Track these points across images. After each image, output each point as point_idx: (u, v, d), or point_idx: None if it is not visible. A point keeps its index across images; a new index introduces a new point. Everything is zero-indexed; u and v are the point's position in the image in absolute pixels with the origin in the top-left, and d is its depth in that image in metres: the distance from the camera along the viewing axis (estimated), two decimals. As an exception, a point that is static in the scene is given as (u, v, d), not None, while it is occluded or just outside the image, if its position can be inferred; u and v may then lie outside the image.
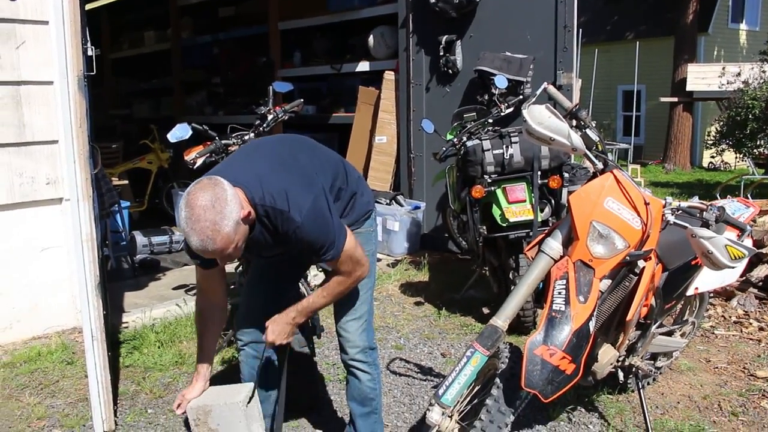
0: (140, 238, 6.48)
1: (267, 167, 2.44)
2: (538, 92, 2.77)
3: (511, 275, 4.38)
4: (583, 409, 3.44)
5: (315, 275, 4.50)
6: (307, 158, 2.60)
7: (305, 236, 2.37)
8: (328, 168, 2.62)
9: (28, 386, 3.74)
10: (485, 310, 4.85)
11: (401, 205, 6.49)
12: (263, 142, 2.87)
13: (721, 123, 13.32)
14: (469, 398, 2.65)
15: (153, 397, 3.66)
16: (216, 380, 3.83)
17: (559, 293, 2.42)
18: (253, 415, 2.67)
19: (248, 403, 2.65)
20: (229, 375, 3.90)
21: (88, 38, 3.55)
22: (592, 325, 2.42)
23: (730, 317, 4.69)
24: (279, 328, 2.62)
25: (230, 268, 5.73)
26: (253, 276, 2.94)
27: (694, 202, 2.67)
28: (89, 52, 3.50)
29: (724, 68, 14.45)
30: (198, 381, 2.71)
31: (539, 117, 2.48)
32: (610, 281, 2.60)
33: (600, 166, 2.59)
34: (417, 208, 6.52)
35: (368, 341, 2.80)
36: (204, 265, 2.54)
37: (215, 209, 2.16)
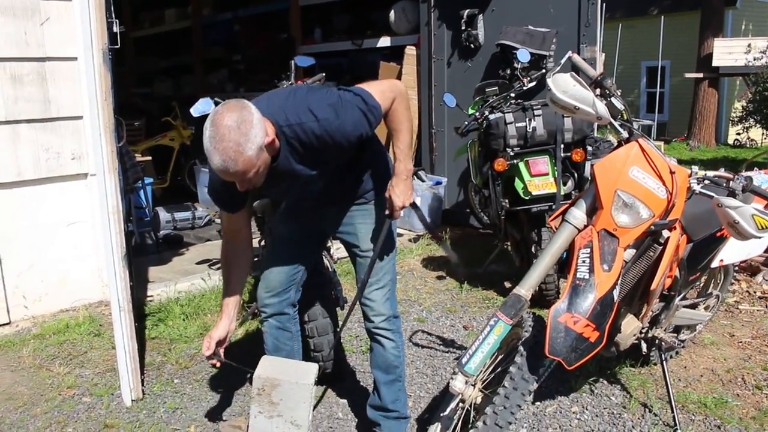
0: (163, 214, 6.56)
1: (284, 98, 2.44)
2: (563, 61, 2.76)
3: (533, 249, 4.37)
4: (605, 381, 3.44)
5: (338, 248, 4.52)
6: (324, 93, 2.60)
7: (346, 129, 2.37)
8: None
9: (57, 357, 3.81)
10: (507, 284, 4.86)
11: (423, 181, 6.48)
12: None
13: (748, 99, 13.09)
14: (492, 367, 2.66)
15: (179, 367, 3.72)
16: (239, 352, 3.90)
17: (584, 262, 2.41)
18: (314, 397, 2.72)
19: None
20: (252, 347, 3.94)
21: (113, 13, 3.56)
22: (616, 293, 2.42)
23: (754, 292, 4.65)
24: (400, 188, 2.58)
25: (254, 242, 5.78)
26: (275, 248, 2.96)
27: (721, 171, 2.64)
28: (114, 28, 3.52)
29: (750, 44, 14.18)
30: (223, 319, 2.76)
31: (564, 86, 2.46)
32: (635, 251, 2.59)
33: (625, 135, 2.57)
34: (438, 183, 6.52)
35: (392, 309, 2.82)
36: (230, 208, 2.58)
37: (240, 130, 2.16)
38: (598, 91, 2.60)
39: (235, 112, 2.19)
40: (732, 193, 2.52)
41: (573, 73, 2.50)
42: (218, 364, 2.82)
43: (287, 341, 2.97)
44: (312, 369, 2.77)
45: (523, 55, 4.87)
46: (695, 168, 2.62)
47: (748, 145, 15.77)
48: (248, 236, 2.75)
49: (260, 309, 2.96)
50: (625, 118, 2.61)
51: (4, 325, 4.19)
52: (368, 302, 2.79)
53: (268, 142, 2.25)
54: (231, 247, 2.74)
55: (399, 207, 2.59)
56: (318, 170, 2.51)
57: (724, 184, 2.58)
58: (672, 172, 2.51)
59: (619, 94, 2.60)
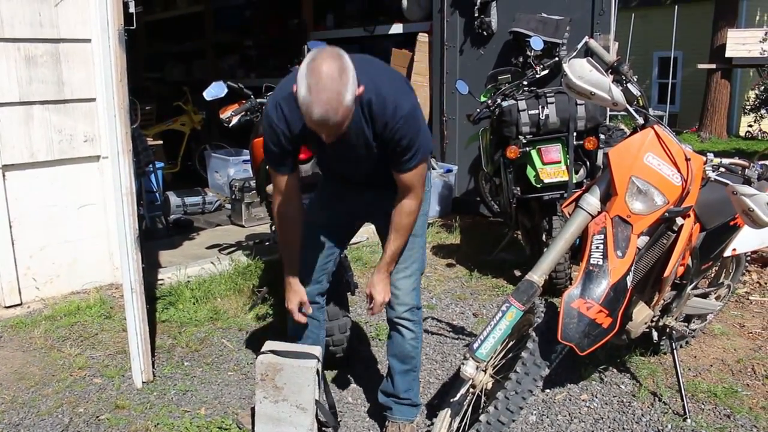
0: (174, 199, 6.58)
1: (373, 68, 2.41)
2: (579, 46, 2.74)
3: (544, 237, 4.36)
4: (615, 370, 3.44)
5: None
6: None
7: (403, 131, 2.36)
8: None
9: (68, 338, 3.83)
10: (517, 272, 4.85)
11: (433, 168, 6.46)
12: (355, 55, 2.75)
13: (762, 88, 12.97)
14: (503, 353, 2.66)
15: (189, 350, 3.73)
16: (252, 336, 3.92)
17: (597, 248, 2.41)
18: (318, 379, 2.71)
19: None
20: (264, 331, 3.96)
21: (128, -7, 3.55)
22: (629, 280, 2.41)
23: (765, 284, 4.64)
24: (381, 287, 2.66)
25: (265, 228, 5.80)
26: (309, 235, 2.87)
27: (736, 159, 2.63)
28: (131, 9, 3.51)
29: (766, 33, 14.04)
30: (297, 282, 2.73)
31: (580, 71, 2.45)
32: (648, 238, 2.58)
33: (641, 120, 2.56)
34: (449, 171, 6.51)
35: (417, 300, 2.81)
36: (289, 169, 2.56)
37: (341, 80, 2.13)
38: (614, 76, 2.59)
39: (336, 60, 2.14)
40: (747, 181, 2.51)
41: (589, 58, 2.48)
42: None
43: (314, 329, 2.93)
44: (315, 352, 2.76)
45: (537, 43, 4.85)
46: (710, 155, 2.60)
47: (760, 137, 15.64)
48: (300, 196, 2.69)
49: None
50: (641, 104, 2.60)
51: (15, 306, 4.21)
52: (394, 290, 2.75)
53: (359, 93, 2.23)
54: (290, 202, 2.66)
55: (380, 303, 2.67)
56: (374, 148, 2.49)
57: (740, 172, 2.56)
58: (687, 159, 2.50)
59: (635, 80, 2.59)
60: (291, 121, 2.41)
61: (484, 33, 6.13)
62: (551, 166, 4.26)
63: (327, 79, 2.10)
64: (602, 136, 4.43)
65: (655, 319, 3.06)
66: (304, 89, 2.13)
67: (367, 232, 5.31)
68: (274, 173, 2.61)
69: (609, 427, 2.99)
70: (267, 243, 5.33)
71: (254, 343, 3.77)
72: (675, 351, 3.14)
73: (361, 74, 2.25)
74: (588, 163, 4.44)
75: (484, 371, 2.58)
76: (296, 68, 3.12)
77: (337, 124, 2.19)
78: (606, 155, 2.59)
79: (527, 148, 4.33)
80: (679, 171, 2.49)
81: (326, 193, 2.90)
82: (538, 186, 4.28)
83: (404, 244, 2.65)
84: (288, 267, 2.73)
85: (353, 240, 3.30)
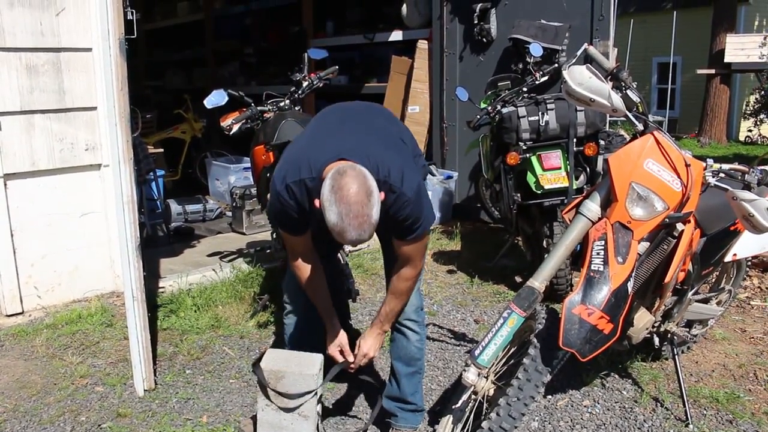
0: (175, 206, 6.59)
1: (379, 143, 2.44)
2: (579, 53, 2.75)
3: (544, 243, 4.36)
4: (616, 375, 3.44)
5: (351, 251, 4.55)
6: (396, 130, 2.67)
7: (408, 212, 2.40)
8: (407, 137, 2.70)
9: (70, 346, 3.83)
10: (518, 279, 4.86)
11: (434, 175, 6.47)
12: (348, 112, 2.76)
13: (762, 93, 13.00)
14: (504, 359, 2.66)
15: (190, 358, 3.74)
16: (252, 344, 3.92)
17: (598, 254, 2.41)
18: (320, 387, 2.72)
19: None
20: (265, 339, 3.97)
21: (129, 2, 3.57)
22: (630, 286, 2.42)
23: (766, 288, 4.64)
24: (371, 341, 2.71)
25: (265, 235, 5.81)
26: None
27: (736, 164, 2.63)
28: (129, 15, 3.52)
29: (766, 37, 14.08)
30: (335, 326, 2.76)
31: (579, 78, 2.46)
32: (648, 244, 2.59)
33: (640, 127, 2.57)
34: (449, 177, 6.51)
35: (420, 301, 2.84)
36: (301, 231, 2.59)
37: (369, 203, 2.18)
38: (613, 83, 2.60)
39: (359, 182, 2.18)
40: (747, 186, 2.51)
41: (589, 65, 2.49)
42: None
43: (312, 335, 2.94)
44: (317, 359, 2.76)
45: (536, 50, 4.85)
46: (710, 161, 2.61)
47: (759, 142, 15.66)
48: (315, 252, 2.72)
49: (288, 303, 2.95)
50: (641, 110, 2.60)
51: (17, 314, 4.21)
52: None
53: (382, 199, 2.28)
54: (309, 258, 2.69)
55: (364, 355, 2.72)
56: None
57: (740, 177, 2.57)
58: (687, 165, 2.51)
59: (634, 86, 2.59)
60: (302, 203, 2.45)
61: (484, 40, 6.14)
62: (551, 172, 4.27)
63: (357, 206, 2.16)
64: (602, 142, 4.43)
65: (656, 324, 3.06)
66: (335, 216, 2.17)
67: (368, 238, 5.33)
68: (290, 237, 2.65)
69: (611, 433, 3.00)
70: (268, 250, 5.33)
71: (255, 350, 3.77)
72: (676, 356, 3.14)
73: (376, 166, 2.32)
74: (588, 169, 4.45)
75: (486, 378, 2.59)
76: (303, 85, 3.17)
77: (367, 238, 2.25)
78: (606, 161, 2.60)
79: (527, 155, 4.34)
80: (679, 177, 2.49)
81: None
82: (539, 192, 4.29)
83: (400, 307, 2.70)
84: (323, 313, 2.76)
85: (354, 247, 3.31)
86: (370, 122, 2.61)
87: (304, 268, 2.69)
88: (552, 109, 4.31)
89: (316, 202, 2.26)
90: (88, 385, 3.43)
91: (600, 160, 4.37)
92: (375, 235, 2.92)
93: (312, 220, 2.53)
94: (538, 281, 2.51)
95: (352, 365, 2.74)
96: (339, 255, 3.65)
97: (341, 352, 2.74)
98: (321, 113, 2.78)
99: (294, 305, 2.92)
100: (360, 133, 2.51)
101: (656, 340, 3.17)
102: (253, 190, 5.79)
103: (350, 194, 2.15)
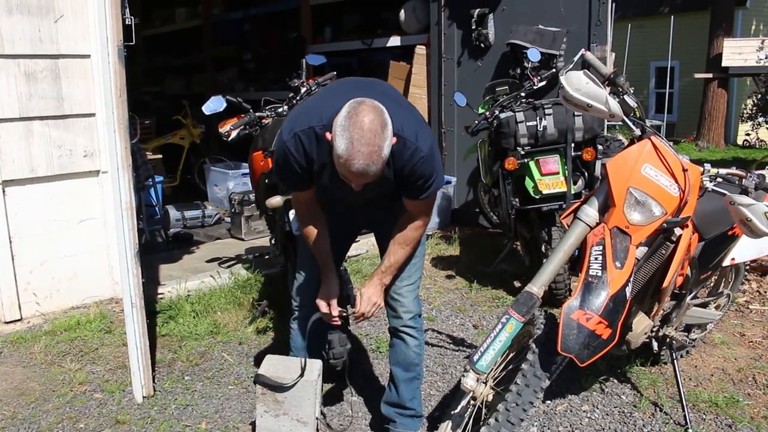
0: (173, 212, 6.59)
1: (393, 104, 2.41)
2: (576, 58, 2.76)
3: (543, 248, 4.37)
4: (615, 380, 3.44)
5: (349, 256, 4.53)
6: (406, 102, 2.70)
7: (423, 169, 2.40)
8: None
9: (69, 353, 3.83)
10: (516, 284, 4.86)
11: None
12: (360, 81, 2.72)
13: (758, 96, 13.02)
14: (503, 365, 2.66)
15: (189, 364, 3.73)
16: (251, 350, 3.91)
17: (596, 259, 2.41)
18: (318, 394, 2.71)
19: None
20: (265, 345, 3.96)
21: (127, 6, 3.57)
22: (628, 291, 2.42)
23: (765, 292, 4.64)
24: (373, 289, 2.66)
25: (264, 241, 5.81)
26: (301, 257, 2.93)
27: (733, 169, 2.64)
28: (127, 21, 3.53)
29: (763, 41, 14.11)
30: (331, 277, 2.71)
31: (577, 83, 2.46)
32: (647, 249, 2.59)
33: (638, 132, 2.57)
34: (448, 183, 6.51)
35: (419, 307, 2.83)
36: (304, 188, 2.58)
37: (383, 135, 2.17)
38: (610, 88, 2.61)
39: (377, 114, 2.18)
40: (745, 191, 2.52)
41: (586, 70, 2.50)
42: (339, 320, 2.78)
43: (314, 343, 2.94)
44: (315, 365, 2.76)
45: (534, 55, 4.87)
46: (708, 165, 2.61)
47: (757, 146, 15.69)
48: (320, 208, 2.70)
49: (295, 308, 2.94)
50: (638, 115, 2.61)
51: (15, 321, 4.21)
52: (399, 298, 2.77)
53: (394, 142, 2.27)
54: (312, 213, 2.68)
55: (369, 303, 2.66)
56: (389, 185, 2.51)
57: (737, 182, 2.57)
58: (684, 170, 2.51)
59: (631, 91, 2.60)
60: (309, 153, 2.43)
61: (482, 45, 6.15)
62: (549, 177, 4.28)
63: (369, 133, 2.14)
64: (600, 147, 4.44)
65: (655, 329, 3.06)
66: (345, 141, 2.16)
67: (366, 244, 5.33)
68: (293, 192, 2.65)
69: (610, 437, 3.00)
70: (267, 256, 5.34)
71: (258, 356, 3.77)
72: (675, 361, 3.14)
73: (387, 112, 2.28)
74: (586, 173, 4.46)
75: (485, 383, 2.58)
76: (302, 90, 3.15)
77: (375, 174, 2.23)
78: (603, 166, 2.61)
79: (525, 160, 4.34)
80: (676, 181, 2.50)
81: (329, 210, 2.88)
82: (537, 197, 4.30)
83: (406, 257, 2.67)
84: (322, 266, 2.73)
85: (353, 252, 3.31)
86: (382, 90, 2.58)
87: (308, 222, 2.68)
88: (550, 114, 4.32)
89: (328, 135, 2.24)
90: (86, 392, 3.42)
91: (598, 164, 4.38)
92: (374, 236, 2.94)
93: (317, 187, 2.54)
94: (537, 286, 2.51)
95: (356, 312, 2.69)
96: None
97: (329, 305, 2.71)
98: (331, 83, 2.77)
99: (304, 311, 2.90)
100: (375, 94, 2.43)
101: (655, 344, 3.18)
102: (252, 196, 5.77)
103: (365, 121, 2.15)
